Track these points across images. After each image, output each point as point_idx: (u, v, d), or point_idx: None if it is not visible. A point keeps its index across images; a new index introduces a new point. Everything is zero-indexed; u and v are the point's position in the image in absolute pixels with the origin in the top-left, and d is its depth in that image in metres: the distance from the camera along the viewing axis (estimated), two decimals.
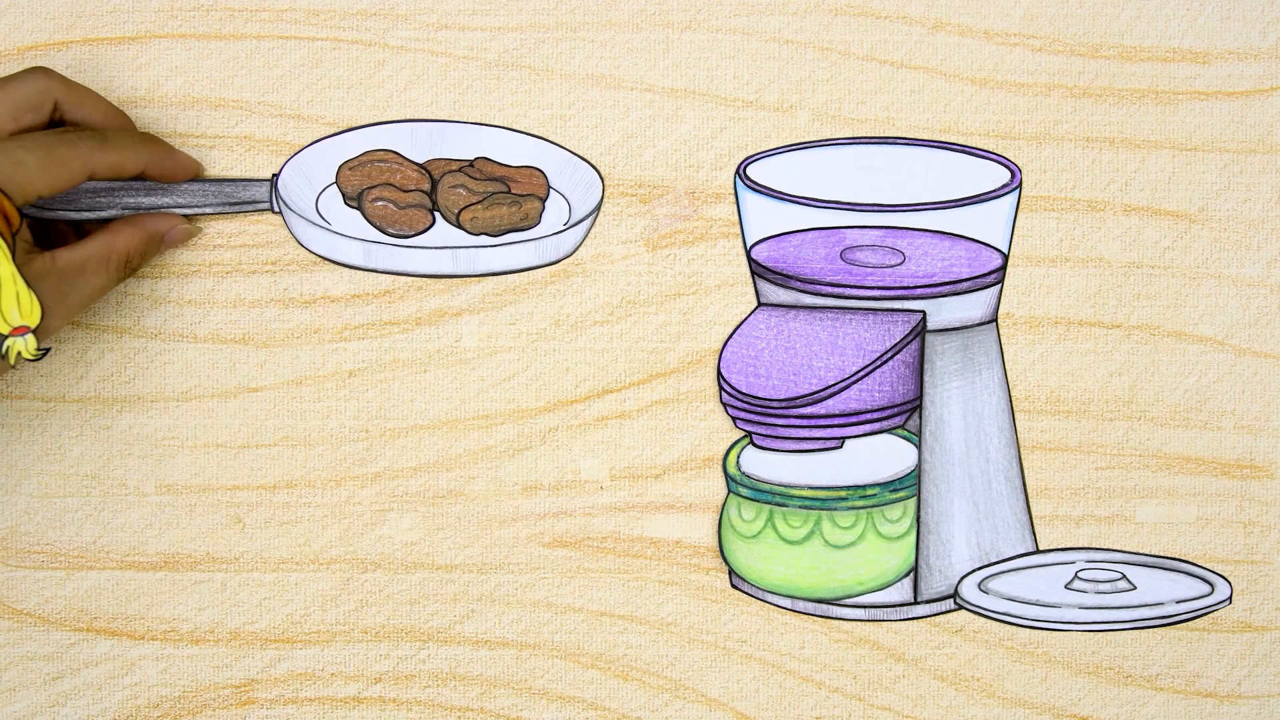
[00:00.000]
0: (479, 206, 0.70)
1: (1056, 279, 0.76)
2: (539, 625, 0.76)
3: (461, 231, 0.71)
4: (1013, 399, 0.76)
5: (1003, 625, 0.76)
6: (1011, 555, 0.75)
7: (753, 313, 0.76)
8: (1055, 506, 0.76)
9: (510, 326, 0.76)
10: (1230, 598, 0.75)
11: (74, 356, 0.76)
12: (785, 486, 0.75)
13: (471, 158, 0.73)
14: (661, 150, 0.76)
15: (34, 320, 0.63)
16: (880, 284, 0.74)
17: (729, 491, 0.76)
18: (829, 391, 0.74)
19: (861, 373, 0.74)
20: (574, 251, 0.71)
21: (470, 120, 0.74)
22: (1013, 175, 0.75)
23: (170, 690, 0.76)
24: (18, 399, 0.76)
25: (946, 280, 0.74)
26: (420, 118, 0.74)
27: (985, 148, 0.76)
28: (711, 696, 0.76)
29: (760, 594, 0.76)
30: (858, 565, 0.75)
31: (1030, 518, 0.76)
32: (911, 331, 0.74)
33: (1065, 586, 0.75)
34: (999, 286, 0.76)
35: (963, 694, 0.76)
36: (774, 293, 0.75)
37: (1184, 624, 0.75)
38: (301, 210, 0.73)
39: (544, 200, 0.72)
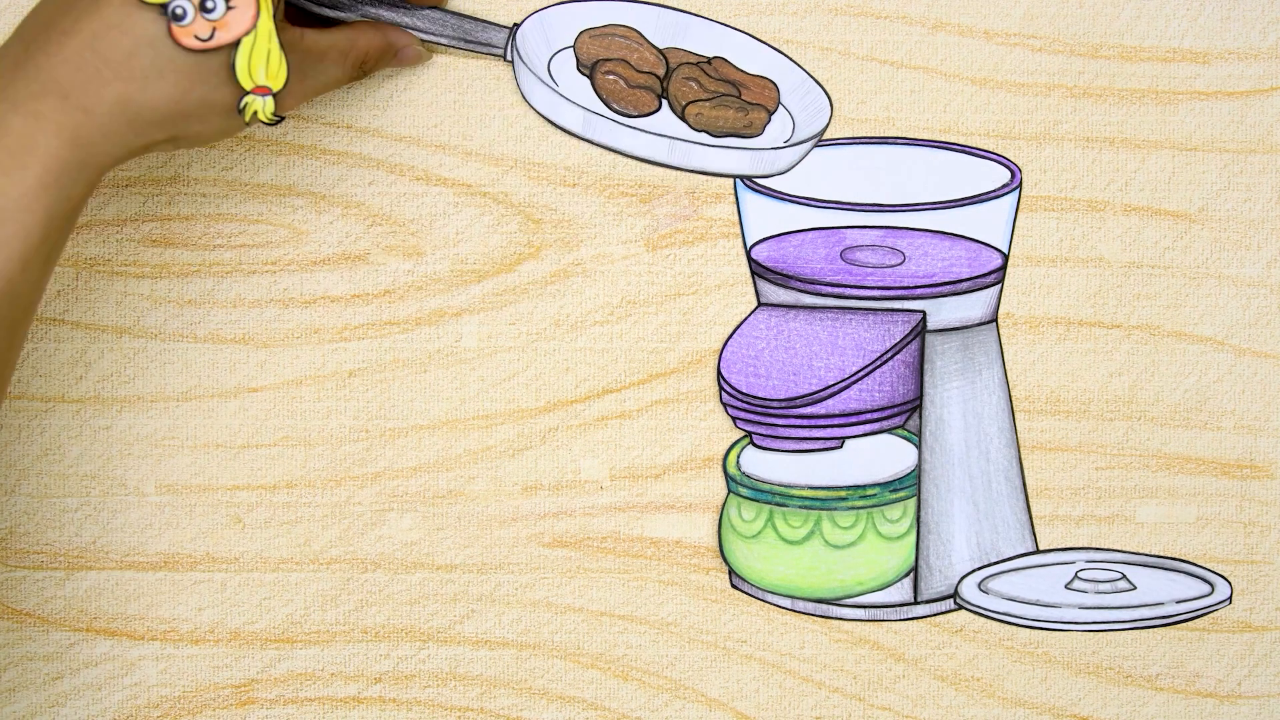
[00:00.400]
0: (706, 104, 0.70)
1: (1056, 279, 0.76)
2: (539, 625, 0.76)
3: (683, 125, 0.71)
4: (1013, 399, 0.76)
5: (1003, 625, 0.76)
6: (1011, 555, 0.75)
7: (753, 313, 0.76)
8: (1055, 506, 0.76)
9: (510, 326, 0.76)
10: (1230, 598, 0.75)
11: (74, 356, 0.76)
12: (785, 486, 0.75)
13: (710, 56, 0.73)
14: None
15: (278, 84, 0.64)
16: (880, 284, 0.74)
17: (729, 491, 0.76)
18: (829, 391, 0.74)
19: (861, 373, 0.74)
20: (788, 170, 0.71)
21: (718, 19, 0.74)
22: (1013, 175, 0.75)
23: (170, 690, 0.76)
24: (18, 399, 0.76)
25: (946, 280, 0.74)
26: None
27: (985, 148, 0.76)
28: (711, 696, 0.76)
29: (760, 594, 0.76)
30: (858, 565, 0.75)
31: (1030, 518, 0.76)
32: (911, 331, 0.74)
33: (1065, 586, 0.75)
34: (999, 286, 0.76)
35: (963, 694, 0.76)
36: (774, 293, 0.75)
37: (1184, 624, 0.75)
38: (534, 66, 0.73)
39: (771, 113, 0.71)
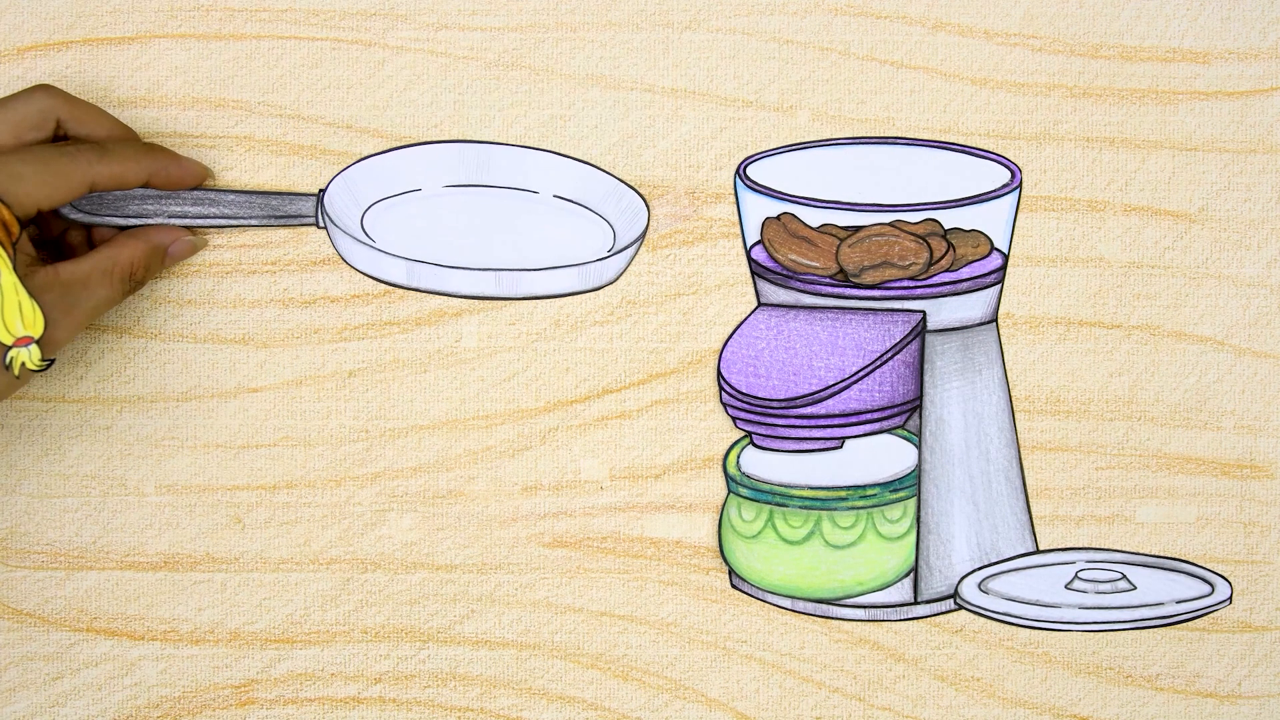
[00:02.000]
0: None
1: (1056, 279, 0.76)
2: (539, 625, 0.76)
3: (511, 254, 0.72)
4: (1013, 399, 0.76)
5: (1003, 625, 0.76)
6: (1011, 555, 0.75)
7: (753, 313, 0.76)
8: (1055, 506, 0.76)
9: (510, 326, 0.76)
10: (1230, 598, 0.75)
11: (74, 356, 0.76)
12: (785, 486, 0.75)
13: (521, 183, 0.73)
14: (661, 150, 0.76)
15: (37, 331, 0.63)
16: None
17: (729, 491, 0.76)
18: (829, 391, 0.74)
19: (861, 373, 0.74)
20: (616, 279, 0.71)
21: (518, 141, 0.74)
22: (1013, 175, 0.75)
23: (170, 690, 0.76)
24: (17, 399, 0.76)
25: (946, 280, 0.74)
26: (468, 139, 0.74)
27: (985, 148, 0.76)
28: (711, 696, 0.76)
29: (760, 594, 0.76)
30: (858, 565, 0.75)
31: (1030, 518, 0.76)
32: (911, 331, 0.74)
33: (1065, 586, 0.75)
34: (999, 286, 0.76)
35: (963, 694, 0.76)
36: (774, 293, 0.75)
37: (1184, 624, 0.75)
38: (347, 227, 0.73)
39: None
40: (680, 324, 0.76)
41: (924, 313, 0.74)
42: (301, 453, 0.76)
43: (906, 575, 0.75)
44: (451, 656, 0.76)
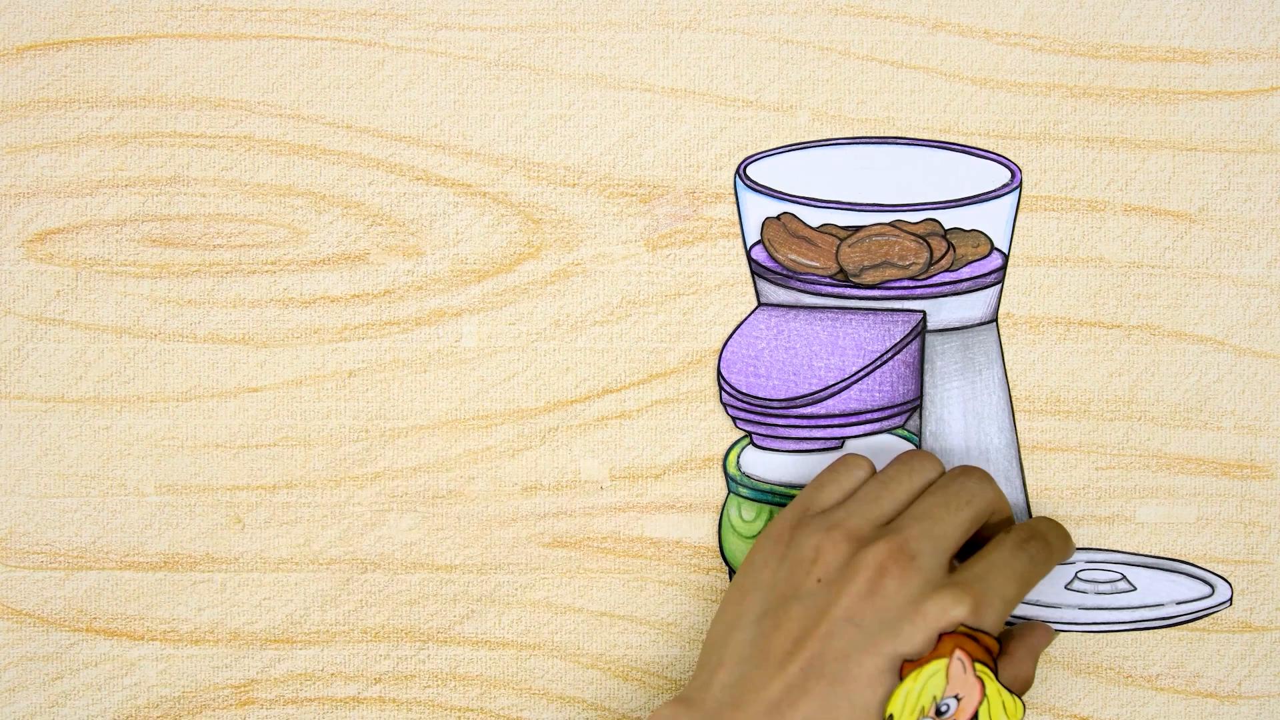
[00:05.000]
0: None
1: (1056, 279, 0.76)
2: (539, 625, 0.76)
3: None
4: (1013, 399, 0.76)
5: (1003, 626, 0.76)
6: None
7: (753, 313, 0.76)
8: (1055, 506, 0.76)
9: (510, 326, 0.76)
10: (1231, 599, 0.75)
11: (74, 356, 0.76)
12: (785, 486, 0.75)
13: None
14: (661, 150, 0.76)
15: (1019, 717, 0.67)
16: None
17: (729, 491, 0.76)
18: (829, 391, 0.74)
19: (861, 373, 0.74)
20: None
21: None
22: (1013, 175, 0.75)
23: (170, 690, 0.76)
24: (17, 399, 0.76)
25: (946, 280, 0.74)
26: None
27: (985, 148, 0.76)
28: None
29: None
30: None
31: (1030, 518, 0.76)
32: (911, 331, 0.74)
33: (1065, 587, 0.75)
34: (999, 286, 0.76)
35: None
36: (774, 293, 0.75)
37: (1184, 625, 0.75)
38: None
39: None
40: (680, 324, 0.76)
41: (924, 313, 0.74)
42: (301, 453, 0.76)
43: None
44: (451, 656, 0.76)
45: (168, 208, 0.76)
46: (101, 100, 0.76)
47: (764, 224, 0.75)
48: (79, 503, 0.76)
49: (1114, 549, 0.76)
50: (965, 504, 0.69)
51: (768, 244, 0.74)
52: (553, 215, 0.76)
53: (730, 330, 0.76)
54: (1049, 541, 0.70)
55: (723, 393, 0.75)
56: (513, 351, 0.76)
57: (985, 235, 0.74)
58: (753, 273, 0.76)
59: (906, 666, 0.65)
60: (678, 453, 0.76)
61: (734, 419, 0.75)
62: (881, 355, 0.74)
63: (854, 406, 0.74)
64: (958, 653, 0.66)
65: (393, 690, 0.76)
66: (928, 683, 0.65)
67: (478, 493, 0.76)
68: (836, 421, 0.74)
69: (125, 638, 0.76)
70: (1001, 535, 0.70)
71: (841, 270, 0.74)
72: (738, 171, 0.76)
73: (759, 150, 0.76)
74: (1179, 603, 0.75)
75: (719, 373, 0.75)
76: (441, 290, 0.76)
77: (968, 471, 0.70)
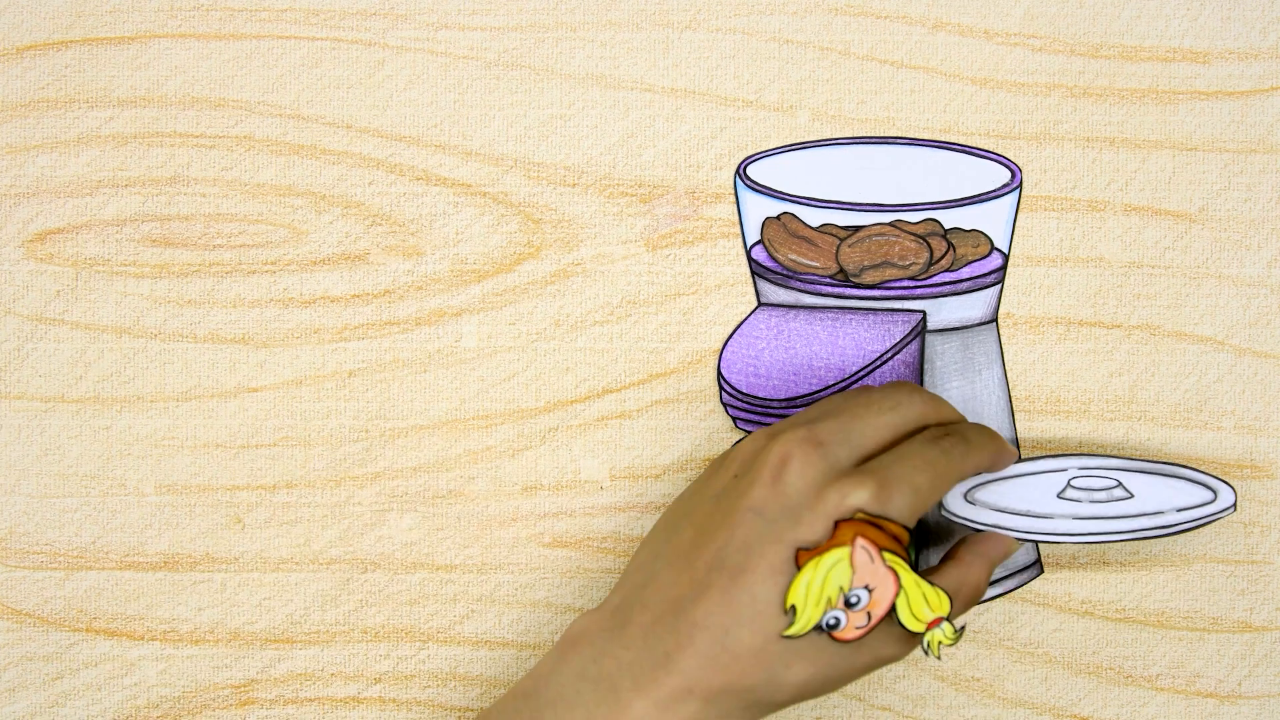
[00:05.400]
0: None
1: (1056, 279, 0.76)
2: (539, 625, 0.76)
3: None
4: (1013, 399, 0.76)
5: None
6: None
7: (753, 313, 0.76)
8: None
9: (510, 326, 0.76)
10: (1235, 504, 0.71)
11: (74, 356, 0.76)
12: None
13: None
14: (661, 150, 0.76)
15: (945, 609, 0.64)
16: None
17: None
18: (829, 391, 0.74)
19: (861, 373, 0.74)
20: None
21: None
22: (1013, 175, 0.75)
23: (170, 690, 0.76)
24: (17, 399, 0.76)
25: (946, 280, 0.74)
26: None
27: (985, 148, 0.76)
28: None
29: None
30: None
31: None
32: (911, 331, 0.74)
33: (1057, 495, 0.72)
34: (999, 286, 0.76)
35: (963, 694, 0.76)
36: (774, 293, 0.75)
37: (1185, 533, 0.71)
38: None
39: None
40: (680, 324, 0.76)
41: (924, 313, 0.74)
42: (301, 453, 0.76)
43: None
44: (451, 656, 0.76)
45: (168, 208, 0.76)
46: (101, 100, 0.76)
47: (764, 224, 0.75)
48: (79, 503, 0.76)
49: (1108, 454, 0.75)
50: (890, 409, 0.67)
51: (768, 244, 0.74)
52: (553, 215, 0.76)
53: (730, 330, 0.76)
54: (968, 439, 0.68)
55: (723, 393, 0.75)
56: (513, 351, 0.76)
57: (985, 235, 0.74)
58: (753, 273, 0.76)
59: (803, 555, 0.63)
60: (678, 453, 0.76)
61: (734, 419, 0.75)
62: (881, 355, 0.74)
63: None
64: (860, 540, 0.63)
65: (393, 690, 0.76)
66: (830, 573, 0.63)
67: (478, 493, 0.76)
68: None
69: (125, 638, 0.76)
70: (920, 433, 0.67)
71: (841, 270, 0.74)
72: (738, 171, 0.76)
73: (759, 150, 0.76)
74: (1180, 509, 0.71)
75: (719, 373, 0.75)
76: (441, 290, 0.76)
77: (904, 384, 0.68)
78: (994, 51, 0.76)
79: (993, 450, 0.69)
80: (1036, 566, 0.76)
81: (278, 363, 0.76)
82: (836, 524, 0.63)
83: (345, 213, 0.76)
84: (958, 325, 0.75)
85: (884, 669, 0.75)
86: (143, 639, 0.76)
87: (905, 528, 0.64)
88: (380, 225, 0.76)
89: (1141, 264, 0.76)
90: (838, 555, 0.63)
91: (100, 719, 0.76)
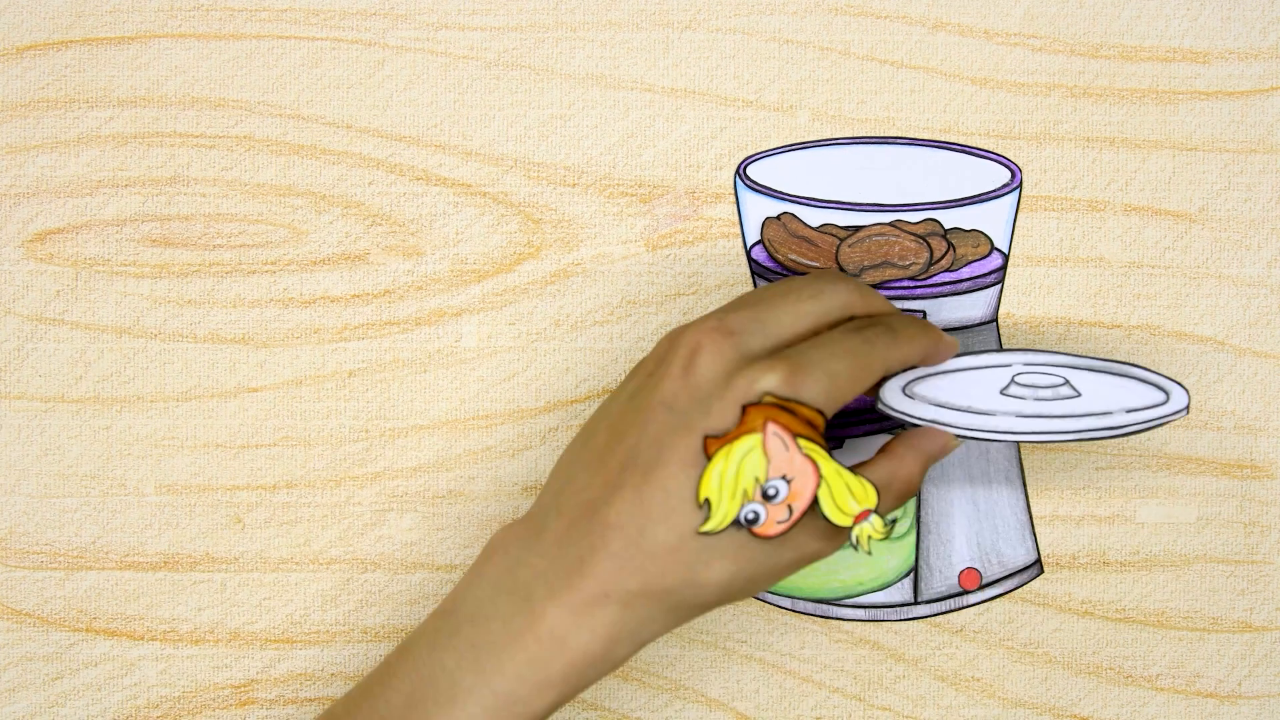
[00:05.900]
0: None
1: (1056, 279, 0.76)
2: None
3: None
4: None
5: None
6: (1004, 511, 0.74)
7: None
8: (1055, 506, 0.76)
9: (510, 326, 0.76)
10: (1187, 407, 0.67)
11: (74, 356, 0.76)
12: None
13: None
14: (661, 150, 0.76)
15: (871, 502, 0.61)
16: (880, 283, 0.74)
17: None
18: None
19: None
20: None
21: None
22: (1013, 175, 0.75)
23: (170, 690, 0.76)
24: (17, 399, 0.76)
25: (946, 280, 0.74)
26: None
27: (985, 148, 0.76)
28: (711, 696, 0.76)
29: (760, 594, 0.76)
30: (858, 565, 0.75)
31: (1030, 518, 0.76)
32: None
33: (1000, 392, 0.68)
34: (999, 286, 0.76)
35: (963, 694, 0.76)
36: None
37: (1135, 435, 0.68)
38: None
39: None
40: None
41: (924, 313, 0.74)
42: (301, 453, 0.76)
43: (906, 575, 0.75)
44: None
45: (168, 208, 0.76)
46: (101, 100, 0.76)
47: (764, 224, 0.75)
48: (79, 503, 0.76)
49: (1054, 350, 0.74)
50: (810, 297, 0.64)
51: (768, 244, 0.74)
52: (553, 215, 0.76)
53: None
54: (894, 329, 0.65)
55: None
56: (513, 351, 0.76)
57: (985, 235, 0.74)
58: (753, 273, 0.76)
59: (712, 444, 0.60)
60: None
61: None
62: None
63: (853, 406, 0.74)
64: (771, 426, 0.59)
65: None
66: (743, 462, 0.59)
67: (478, 493, 0.76)
68: (836, 421, 0.74)
69: (125, 638, 0.76)
70: (846, 323, 0.64)
71: (842, 270, 0.74)
72: (738, 171, 0.76)
73: (759, 150, 0.76)
74: (1130, 410, 0.67)
75: None
76: (441, 290, 0.76)
77: (828, 271, 0.65)
78: (994, 51, 0.76)
79: (925, 341, 0.66)
80: (1036, 566, 0.76)
81: (278, 363, 0.76)
82: (745, 409, 0.60)
83: (345, 213, 0.76)
84: (958, 325, 0.75)
85: (881, 665, 0.76)
86: (143, 639, 0.76)
87: (821, 414, 0.61)
88: (380, 225, 0.76)
89: (1141, 264, 0.76)
90: (749, 443, 0.59)
91: (100, 719, 0.76)
